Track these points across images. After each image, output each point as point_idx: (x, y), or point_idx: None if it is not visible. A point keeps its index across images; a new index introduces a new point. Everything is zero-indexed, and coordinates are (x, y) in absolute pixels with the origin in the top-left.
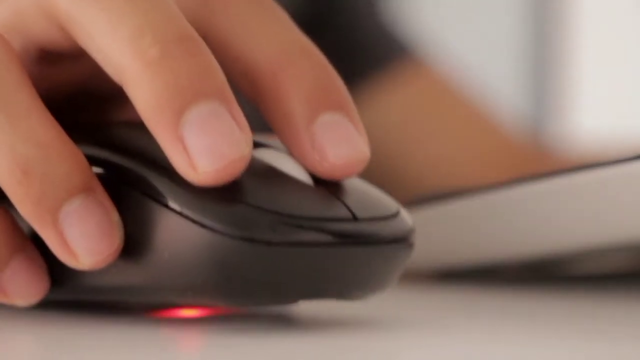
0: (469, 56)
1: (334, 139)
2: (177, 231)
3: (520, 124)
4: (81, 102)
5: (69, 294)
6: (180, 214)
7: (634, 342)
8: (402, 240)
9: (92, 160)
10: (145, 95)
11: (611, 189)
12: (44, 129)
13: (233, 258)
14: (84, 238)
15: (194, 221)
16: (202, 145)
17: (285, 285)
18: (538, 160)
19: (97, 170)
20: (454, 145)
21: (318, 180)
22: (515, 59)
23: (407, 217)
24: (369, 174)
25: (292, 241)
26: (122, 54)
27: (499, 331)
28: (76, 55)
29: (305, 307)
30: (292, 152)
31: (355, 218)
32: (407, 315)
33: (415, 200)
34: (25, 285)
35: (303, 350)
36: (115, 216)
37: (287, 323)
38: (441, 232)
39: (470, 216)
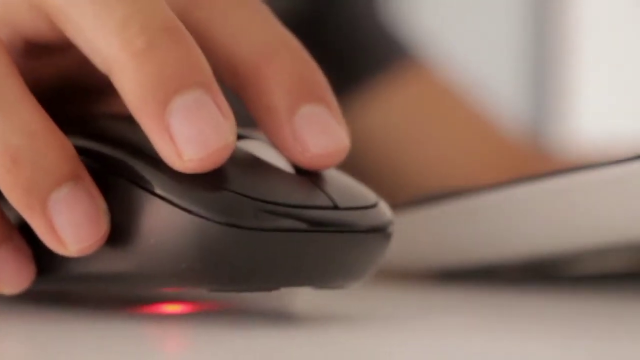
0: (468, 58)
1: (315, 130)
2: (162, 217)
3: (519, 126)
4: (68, 94)
5: (56, 283)
6: (165, 199)
7: (634, 342)
8: (381, 230)
9: (80, 150)
10: (132, 85)
11: (611, 189)
12: (32, 119)
13: (216, 243)
14: (71, 225)
15: (178, 207)
16: (188, 134)
17: (267, 271)
18: (537, 162)
19: (84, 159)
20: (453, 146)
21: (300, 171)
22: (515, 60)
23: (385, 208)
24: (368, 174)
25: (274, 227)
26: (108, 45)
27: (499, 331)
28: (63, 48)
29: (301, 306)
30: (274, 143)
31: (335, 206)
32: (407, 315)
33: (415, 200)
34: (12, 273)
35: (301, 349)
36: (102, 203)
37: (280, 320)
38: (441, 232)
39: (470, 216)
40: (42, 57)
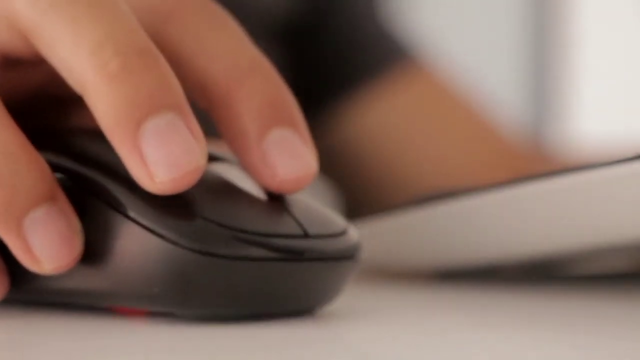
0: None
1: (284, 155)
2: (136, 240)
3: (519, 127)
4: (39, 105)
5: (31, 296)
6: (139, 223)
7: (634, 342)
8: (350, 257)
9: (55, 167)
10: (105, 107)
11: (611, 189)
12: (9, 139)
13: (188, 270)
14: (46, 245)
15: (152, 232)
16: (159, 156)
17: (237, 298)
18: (537, 163)
19: (59, 176)
20: (453, 148)
21: (271, 195)
22: (515, 62)
23: (354, 234)
24: (369, 175)
25: (246, 256)
26: (83, 66)
27: (499, 331)
28: (35, 62)
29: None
30: (245, 167)
31: (306, 234)
32: (406, 314)
33: (415, 200)
34: None
35: (302, 349)
36: (76, 224)
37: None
38: (441, 232)
39: (470, 216)
40: (14, 70)
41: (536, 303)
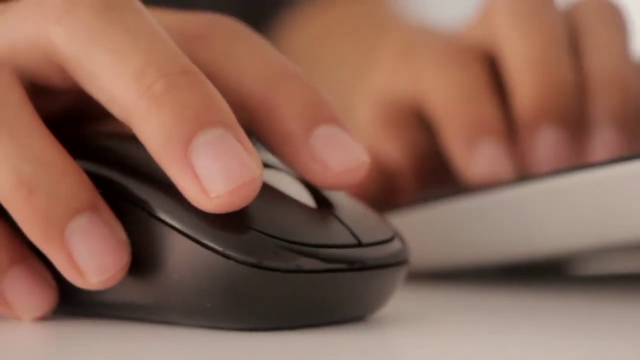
0: None
1: (333, 148)
2: (186, 254)
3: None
4: (65, 122)
5: (77, 309)
6: (189, 237)
7: (634, 342)
8: (402, 262)
9: (98, 180)
10: (153, 128)
11: (611, 189)
12: (48, 149)
13: (243, 284)
14: (91, 255)
15: (203, 245)
16: (213, 169)
17: (290, 310)
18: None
19: (104, 191)
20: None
21: (320, 202)
22: None
23: (401, 238)
24: None
25: (301, 268)
26: (126, 92)
27: (499, 331)
28: (65, 90)
29: None
30: (294, 167)
31: (359, 243)
32: (406, 314)
33: (415, 200)
34: (26, 294)
35: (299, 349)
36: (122, 234)
37: None
38: (441, 232)
39: (470, 216)
40: (45, 96)
41: (536, 303)
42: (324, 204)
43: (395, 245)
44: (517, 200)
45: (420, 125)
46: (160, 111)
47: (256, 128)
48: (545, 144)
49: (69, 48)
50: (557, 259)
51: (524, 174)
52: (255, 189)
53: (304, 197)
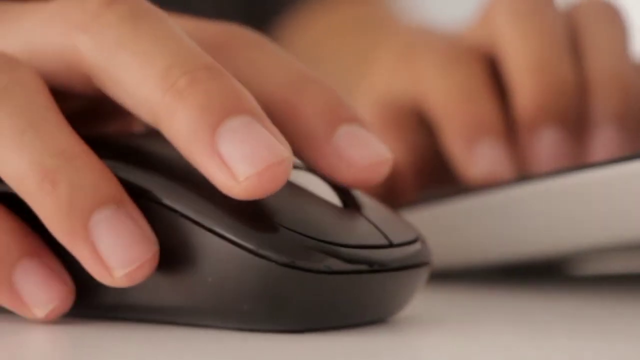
0: None
1: (356, 145)
2: (222, 256)
3: None
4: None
5: (103, 312)
6: (223, 237)
7: (634, 342)
8: (428, 263)
9: (124, 183)
10: (179, 122)
11: (611, 189)
12: (72, 145)
13: (281, 285)
14: (115, 246)
15: (240, 246)
16: (240, 152)
17: (326, 312)
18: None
19: (131, 192)
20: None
21: (346, 203)
22: None
23: (423, 238)
24: None
25: (336, 269)
26: (152, 92)
27: (498, 331)
28: (79, 96)
29: None
30: (318, 166)
31: (391, 244)
32: (405, 314)
33: (415, 200)
34: (37, 286)
35: (302, 349)
36: (147, 228)
37: None
38: (441, 232)
39: (471, 216)
40: (64, 100)
41: (536, 303)
42: (351, 204)
43: (421, 245)
44: (517, 200)
45: (420, 125)
46: (185, 104)
47: (279, 130)
48: (546, 144)
49: (96, 55)
50: (557, 259)
51: (524, 174)
52: (285, 171)
53: (332, 197)
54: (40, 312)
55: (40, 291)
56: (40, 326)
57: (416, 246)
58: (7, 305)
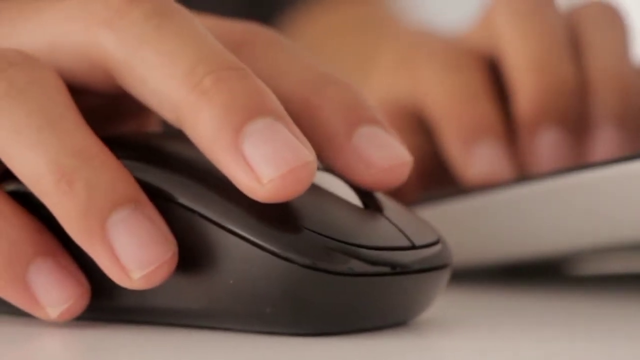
0: None
1: (376, 147)
2: (243, 258)
3: None
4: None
5: (124, 316)
6: (244, 238)
7: (634, 342)
8: (449, 264)
9: (144, 184)
10: (203, 121)
11: (611, 189)
12: (89, 145)
13: (304, 287)
14: (133, 247)
15: (262, 248)
16: (264, 154)
17: (349, 314)
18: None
19: (151, 194)
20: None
21: (367, 204)
22: None
23: (444, 240)
24: None
25: (362, 272)
26: (177, 91)
27: (498, 331)
28: (98, 94)
29: None
30: (338, 167)
31: (414, 246)
32: (427, 316)
33: (416, 200)
34: (52, 284)
35: (307, 351)
36: (165, 229)
37: None
38: (441, 231)
39: (471, 216)
40: (83, 97)
41: (536, 303)
42: (372, 206)
43: (442, 247)
44: (517, 200)
45: (420, 127)
46: (209, 104)
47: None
48: (546, 144)
49: (120, 52)
50: (557, 259)
51: (524, 174)
52: (309, 174)
53: (353, 198)
54: (53, 312)
55: (54, 290)
56: (56, 330)
57: (438, 248)
58: (20, 304)
